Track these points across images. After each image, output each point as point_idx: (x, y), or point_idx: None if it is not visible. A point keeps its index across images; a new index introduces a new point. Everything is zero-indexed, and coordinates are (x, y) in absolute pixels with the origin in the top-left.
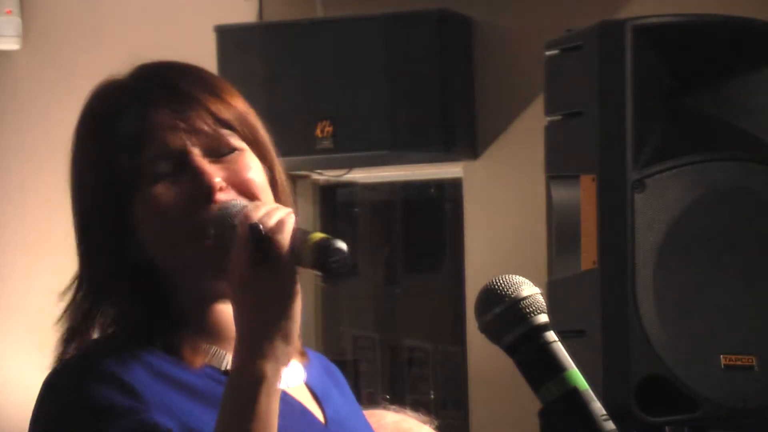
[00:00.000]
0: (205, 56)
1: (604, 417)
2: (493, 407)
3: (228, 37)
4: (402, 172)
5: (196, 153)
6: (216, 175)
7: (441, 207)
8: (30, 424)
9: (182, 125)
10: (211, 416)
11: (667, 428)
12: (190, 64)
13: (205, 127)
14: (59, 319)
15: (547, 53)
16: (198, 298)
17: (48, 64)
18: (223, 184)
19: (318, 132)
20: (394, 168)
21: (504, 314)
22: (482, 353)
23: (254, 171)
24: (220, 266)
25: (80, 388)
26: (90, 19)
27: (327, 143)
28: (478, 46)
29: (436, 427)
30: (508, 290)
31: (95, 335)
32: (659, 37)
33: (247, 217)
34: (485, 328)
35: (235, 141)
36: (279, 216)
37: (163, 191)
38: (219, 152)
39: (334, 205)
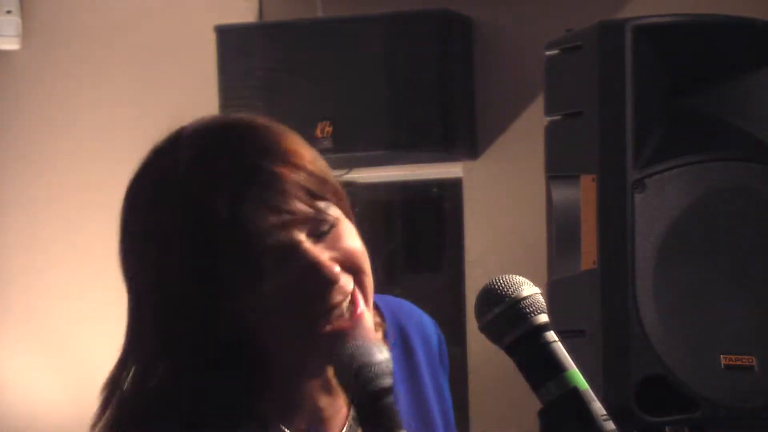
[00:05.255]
0: (205, 56)
1: (604, 417)
2: (493, 407)
3: (228, 37)
4: (402, 172)
5: (304, 240)
6: (332, 263)
7: (441, 207)
8: None
9: (284, 216)
10: None
11: (667, 428)
12: (243, 123)
13: (304, 208)
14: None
15: (547, 53)
16: (287, 375)
17: (48, 64)
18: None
19: (318, 132)
20: (394, 168)
21: (504, 314)
22: (482, 353)
23: (353, 238)
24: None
25: None
26: (90, 19)
27: (327, 143)
28: (478, 46)
29: None
30: (508, 290)
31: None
32: (659, 37)
33: None
34: (485, 328)
35: (331, 211)
36: None
37: (275, 290)
38: (319, 232)
39: None
